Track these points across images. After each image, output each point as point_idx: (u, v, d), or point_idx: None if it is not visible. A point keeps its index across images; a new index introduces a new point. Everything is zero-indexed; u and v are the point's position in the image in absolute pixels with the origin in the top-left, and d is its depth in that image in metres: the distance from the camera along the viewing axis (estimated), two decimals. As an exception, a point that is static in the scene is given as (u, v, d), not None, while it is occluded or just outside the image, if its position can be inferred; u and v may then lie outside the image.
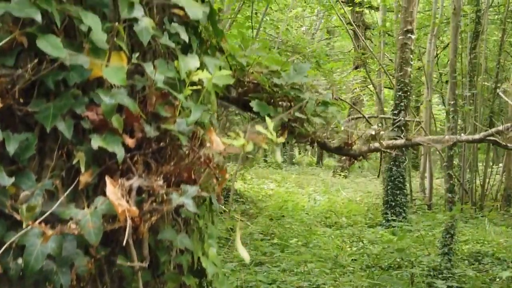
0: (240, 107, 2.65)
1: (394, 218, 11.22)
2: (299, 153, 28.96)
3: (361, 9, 15.12)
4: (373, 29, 17.58)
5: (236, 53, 2.50)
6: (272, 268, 7.07)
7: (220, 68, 1.93)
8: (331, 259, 7.85)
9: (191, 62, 1.66)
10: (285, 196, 13.53)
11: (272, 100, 2.61)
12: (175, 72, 1.62)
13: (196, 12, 1.63)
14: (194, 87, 1.64)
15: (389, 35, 15.90)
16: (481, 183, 13.35)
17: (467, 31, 13.35)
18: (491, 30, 16.12)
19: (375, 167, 20.08)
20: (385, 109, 15.73)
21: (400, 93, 11.33)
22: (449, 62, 9.32)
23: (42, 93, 1.52)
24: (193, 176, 1.58)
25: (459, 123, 11.22)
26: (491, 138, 2.91)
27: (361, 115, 3.49)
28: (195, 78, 1.62)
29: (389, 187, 11.46)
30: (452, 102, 8.67)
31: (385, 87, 16.13)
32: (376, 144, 2.73)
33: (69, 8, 1.51)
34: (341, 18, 13.09)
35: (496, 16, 16.12)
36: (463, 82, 13.25)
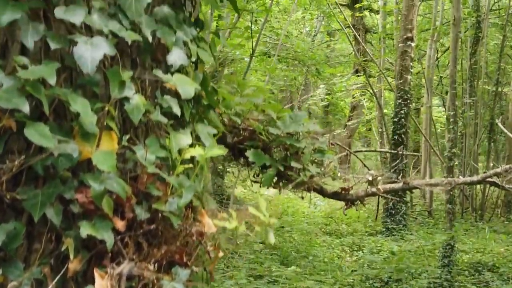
0: (236, 154, 2.63)
1: (394, 226, 11.20)
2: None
3: (361, 14, 15.06)
4: (373, 33, 17.51)
5: (231, 102, 2.47)
6: (272, 282, 7.05)
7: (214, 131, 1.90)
8: (331, 273, 7.83)
9: (183, 139, 1.64)
10: (285, 203, 13.51)
11: (268, 147, 2.59)
12: (167, 152, 1.59)
13: (188, 90, 1.60)
14: (186, 166, 1.61)
15: (390, 38, 15.83)
16: (482, 189, 13.31)
17: (468, 35, 13.30)
18: (491, 33, 16.05)
19: (375, 166, 20.06)
20: (385, 110, 15.69)
21: (400, 101, 11.31)
22: (449, 73, 9.28)
23: (31, 178, 1.50)
24: (184, 259, 1.56)
25: (459, 125, 11.22)
26: (490, 179, 2.89)
27: (353, 152, 3.46)
28: (187, 156, 1.60)
29: (388, 195, 11.43)
30: (452, 113, 8.64)
31: (386, 89, 16.06)
32: (374, 189, 2.71)
33: (58, 92, 1.48)
34: (341, 24, 13.05)
35: (497, 19, 16.04)
36: (463, 88, 13.21)
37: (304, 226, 11.32)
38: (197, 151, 1.61)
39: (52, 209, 1.47)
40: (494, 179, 2.87)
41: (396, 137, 11.30)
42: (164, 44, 1.70)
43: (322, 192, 2.69)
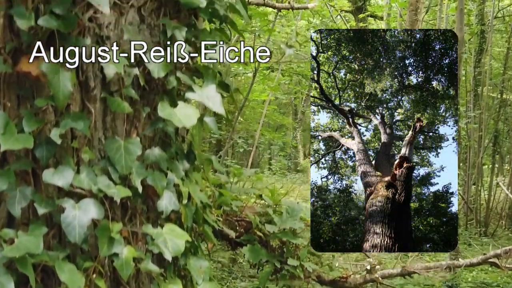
0: (233, 246, 2.62)
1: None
2: (304, 157, 28.28)
3: (364, 24, 14.98)
4: (377, 40, 17.38)
5: (228, 197, 2.45)
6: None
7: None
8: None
9: (174, 289, 1.62)
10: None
11: (265, 241, 2.57)
12: (157, 308, 1.58)
13: (178, 244, 1.59)
14: (177, 320, 1.59)
15: (393, 46, 15.71)
16: (486, 200, 13.20)
17: (472, 46, 13.20)
18: (496, 40, 15.92)
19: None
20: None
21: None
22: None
23: None
24: None
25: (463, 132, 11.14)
26: (490, 260, 2.86)
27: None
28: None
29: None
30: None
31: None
32: (373, 277, 2.69)
33: (45, 258, 1.46)
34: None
35: (501, 25, 15.91)
36: (467, 100, 13.12)
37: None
38: (188, 303, 1.59)
39: None
40: (495, 260, 2.84)
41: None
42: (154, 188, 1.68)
43: (320, 280, 2.67)
